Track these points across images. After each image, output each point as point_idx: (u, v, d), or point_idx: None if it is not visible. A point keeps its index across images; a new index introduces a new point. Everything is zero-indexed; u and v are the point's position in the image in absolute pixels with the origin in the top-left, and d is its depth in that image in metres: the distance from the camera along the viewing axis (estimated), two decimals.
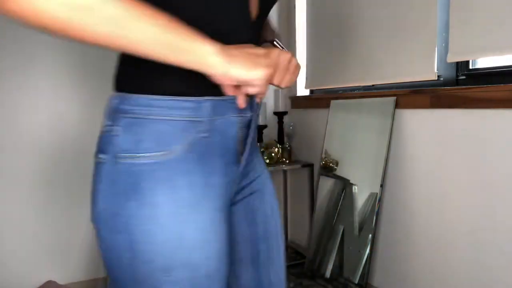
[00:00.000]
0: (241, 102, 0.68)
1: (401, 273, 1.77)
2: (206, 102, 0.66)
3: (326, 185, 2.10)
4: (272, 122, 2.43)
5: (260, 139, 2.33)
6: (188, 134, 0.66)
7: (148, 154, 0.64)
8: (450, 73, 1.63)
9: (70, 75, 2.04)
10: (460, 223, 1.50)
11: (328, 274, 1.98)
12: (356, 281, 1.81)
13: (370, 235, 1.79)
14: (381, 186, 1.78)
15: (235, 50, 0.62)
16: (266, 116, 2.38)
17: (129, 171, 0.64)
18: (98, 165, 0.68)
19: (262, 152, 2.25)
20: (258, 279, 0.81)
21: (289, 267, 2.32)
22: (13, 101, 1.93)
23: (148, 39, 0.56)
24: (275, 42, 0.84)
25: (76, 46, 2.03)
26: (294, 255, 2.49)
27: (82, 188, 2.09)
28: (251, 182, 0.80)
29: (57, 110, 2.02)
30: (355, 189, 1.91)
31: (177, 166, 0.65)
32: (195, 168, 0.66)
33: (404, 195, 1.73)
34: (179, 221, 0.64)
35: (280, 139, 2.41)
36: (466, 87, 1.48)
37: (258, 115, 0.78)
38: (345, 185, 1.96)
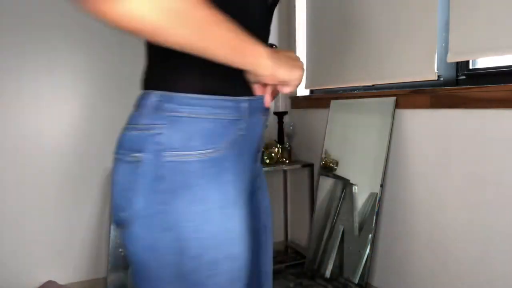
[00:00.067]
0: (268, 101, 0.75)
1: (401, 273, 1.77)
2: (244, 102, 0.71)
3: (326, 185, 2.10)
4: (272, 122, 2.43)
5: None
6: (230, 132, 0.69)
7: (196, 152, 0.66)
8: (450, 73, 1.63)
9: (73, 75, 2.04)
10: (460, 223, 1.50)
11: (328, 274, 1.98)
12: (356, 281, 1.81)
13: (370, 235, 1.79)
14: (381, 186, 1.78)
15: (277, 53, 0.70)
16: None
17: (178, 168, 0.65)
18: (131, 163, 0.67)
19: (262, 152, 2.25)
20: (258, 268, 0.85)
21: (289, 267, 2.32)
22: (13, 101, 1.93)
23: (221, 43, 0.61)
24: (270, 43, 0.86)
25: (76, 46, 2.03)
26: (294, 255, 2.49)
27: (82, 189, 2.09)
28: (256, 178, 0.84)
29: (58, 111, 2.02)
30: (355, 189, 1.91)
31: (223, 163, 0.68)
32: (235, 165, 0.70)
33: (404, 195, 1.73)
34: (226, 216, 0.67)
35: (280, 139, 2.41)
36: (466, 87, 1.48)
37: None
38: (345, 185, 1.96)
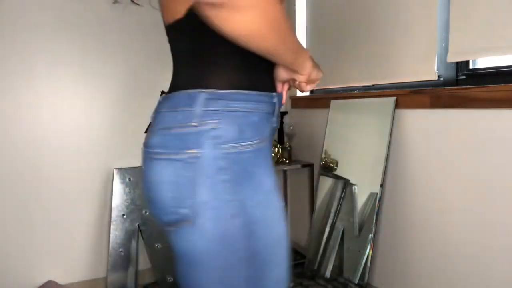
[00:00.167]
0: (285, 97, 0.84)
1: (401, 273, 1.77)
2: (274, 97, 0.79)
3: (326, 185, 2.10)
4: None
5: None
6: (268, 125, 0.78)
7: (248, 142, 0.72)
8: (450, 73, 1.63)
9: (73, 75, 2.04)
10: (460, 223, 1.50)
11: (328, 274, 1.98)
12: (356, 281, 1.81)
13: (370, 235, 1.79)
14: (381, 186, 1.78)
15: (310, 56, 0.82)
16: None
17: (236, 159, 0.70)
18: (185, 160, 0.69)
19: None
20: None
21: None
22: (13, 101, 1.93)
23: (291, 48, 0.73)
24: None
25: (77, 46, 2.03)
26: (294, 255, 2.49)
27: (83, 189, 2.09)
28: None
29: (58, 111, 2.02)
30: (355, 189, 1.91)
31: (265, 152, 0.76)
32: (269, 153, 0.79)
33: (404, 195, 1.73)
34: (275, 198, 0.75)
35: (280, 139, 2.41)
36: (466, 87, 1.48)
37: None
38: (345, 185, 1.96)
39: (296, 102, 2.53)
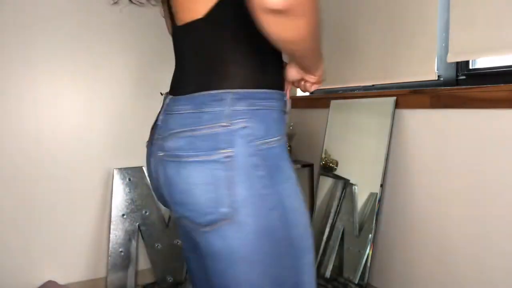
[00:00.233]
0: (288, 96, 0.86)
1: (401, 273, 1.77)
2: (284, 96, 0.82)
3: (326, 185, 2.10)
4: None
5: None
6: (284, 121, 0.82)
7: (275, 138, 0.75)
8: (450, 73, 1.63)
9: (73, 75, 2.04)
10: (460, 223, 1.50)
11: (328, 274, 1.98)
12: (356, 281, 1.81)
13: (370, 235, 1.79)
14: (381, 186, 1.78)
15: None
16: None
17: (267, 154, 0.73)
18: (217, 160, 0.71)
19: None
20: None
21: None
22: (13, 101, 1.93)
23: (318, 51, 0.77)
24: None
25: (76, 45, 2.03)
26: None
27: (83, 189, 2.09)
28: None
29: (58, 111, 2.02)
30: (355, 189, 1.91)
31: (286, 147, 0.79)
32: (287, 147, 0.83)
33: (404, 195, 1.73)
34: (299, 189, 0.79)
35: None
36: (466, 87, 1.48)
37: None
38: (345, 185, 1.96)
39: (296, 102, 2.53)
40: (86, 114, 2.08)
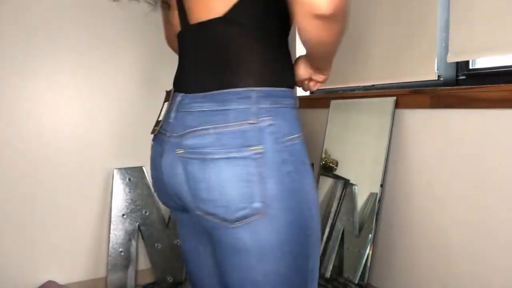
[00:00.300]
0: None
1: (401, 273, 1.77)
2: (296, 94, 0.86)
3: (326, 185, 2.10)
4: None
5: None
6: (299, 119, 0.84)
7: (297, 135, 0.78)
8: (450, 73, 1.63)
9: (73, 75, 2.04)
10: (460, 223, 1.50)
11: (328, 274, 1.98)
12: (356, 281, 1.81)
13: (370, 235, 1.79)
14: (381, 186, 1.78)
15: None
16: None
17: (292, 150, 0.76)
18: (247, 157, 0.72)
19: None
20: None
21: None
22: (13, 101, 1.93)
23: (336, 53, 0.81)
24: None
25: (76, 45, 2.03)
26: None
27: (83, 189, 2.09)
28: None
29: (58, 111, 2.02)
30: (355, 189, 1.91)
31: (305, 143, 0.82)
32: None
33: (404, 195, 1.73)
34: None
35: None
36: (466, 87, 1.48)
37: None
38: (345, 185, 1.96)
39: None
40: (86, 114, 2.08)
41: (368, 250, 1.79)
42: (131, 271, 2.10)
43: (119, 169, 2.13)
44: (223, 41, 0.76)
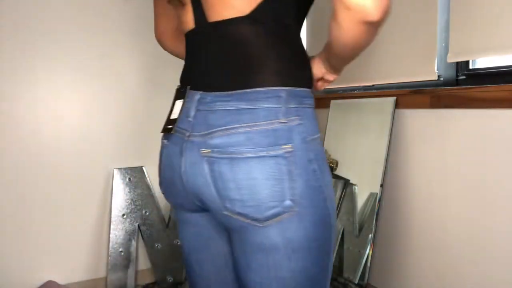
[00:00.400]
0: None
1: (401, 273, 1.77)
2: None
3: None
4: None
5: None
6: None
7: (318, 134, 0.81)
8: (450, 73, 1.63)
9: (73, 75, 2.04)
10: (460, 223, 1.50)
11: None
12: (356, 281, 1.81)
13: (370, 235, 1.79)
14: (381, 186, 1.78)
15: None
16: None
17: (316, 149, 0.78)
18: (278, 155, 0.73)
19: None
20: None
21: None
22: (13, 101, 1.93)
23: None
24: None
25: (76, 44, 2.03)
26: None
27: (83, 189, 2.09)
28: None
29: (59, 110, 2.02)
30: (355, 189, 1.91)
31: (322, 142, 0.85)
32: None
33: (404, 195, 1.73)
34: None
35: None
36: (466, 87, 1.48)
37: None
38: (345, 185, 1.97)
39: None
40: (86, 114, 2.08)
41: (368, 250, 1.79)
42: (131, 271, 2.10)
43: (119, 169, 2.13)
44: (248, 40, 0.75)
